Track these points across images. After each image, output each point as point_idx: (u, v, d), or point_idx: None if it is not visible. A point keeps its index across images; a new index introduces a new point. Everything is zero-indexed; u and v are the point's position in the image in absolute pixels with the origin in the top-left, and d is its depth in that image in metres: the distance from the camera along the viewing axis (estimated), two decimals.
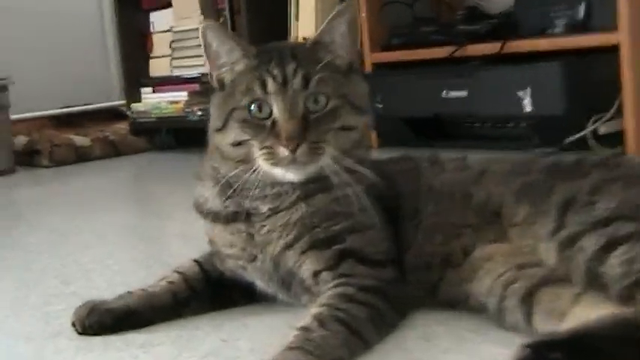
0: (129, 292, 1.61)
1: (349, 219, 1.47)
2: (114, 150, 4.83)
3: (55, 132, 4.94)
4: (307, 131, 1.42)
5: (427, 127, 3.68)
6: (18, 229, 2.92)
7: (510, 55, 3.32)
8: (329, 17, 1.52)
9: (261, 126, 1.45)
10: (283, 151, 1.41)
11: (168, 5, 4.76)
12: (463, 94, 3.43)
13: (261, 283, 1.58)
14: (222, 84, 1.55)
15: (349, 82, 1.52)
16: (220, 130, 1.52)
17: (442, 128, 3.67)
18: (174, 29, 4.71)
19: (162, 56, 4.85)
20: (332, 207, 1.47)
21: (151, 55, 4.97)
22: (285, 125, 1.42)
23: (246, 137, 1.47)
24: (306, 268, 1.48)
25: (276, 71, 1.46)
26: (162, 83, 4.80)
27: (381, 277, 1.44)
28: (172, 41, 4.72)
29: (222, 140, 1.51)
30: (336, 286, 1.42)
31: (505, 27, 3.50)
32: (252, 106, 1.46)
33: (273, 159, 1.43)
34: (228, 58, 1.53)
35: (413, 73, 3.68)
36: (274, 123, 1.44)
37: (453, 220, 1.52)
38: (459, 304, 1.47)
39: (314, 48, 1.51)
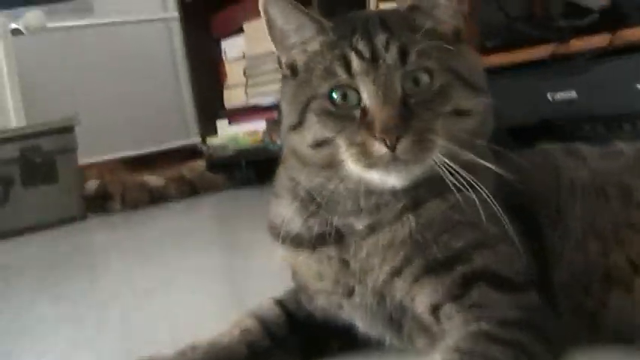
0: (192, 347, 1.31)
1: (474, 230, 1.19)
2: (190, 189, 4.65)
3: (128, 174, 4.81)
4: (409, 119, 1.16)
5: (533, 135, 3.28)
6: (81, 277, 2.76)
7: (621, 47, 3.01)
8: None
9: (348, 117, 1.20)
10: (379, 148, 1.15)
11: (240, 31, 4.57)
12: (572, 94, 3.13)
13: (362, 324, 1.30)
14: (293, 69, 1.29)
15: (458, 53, 1.25)
16: (296, 127, 1.25)
17: (550, 134, 3.26)
18: (248, 55, 4.50)
19: (237, 85, 4.67)
20: (450, 216, 1.19)
21: (225, 85, 4.80)
22: (380, 113, 1.16)
23: (329, 134, 1.20)
24: (422, 300, 1.20)
25: (361, 45, 1.21)
26: (239, 114, 4.65)
27: (523, 304, 1.14)
28: (246, 68, 4.51)
29: (299, 141, 1.25)
30: (465, 322, 1.13)
31: (611, 17, 3.14)
32: (335, 94, 1.21)
33: (367, 159, 1.17)
34: (299, 37, 1.28)
35: (512, 77, 3.34)
36: (365, 112, 1.18)
37: (611, 222, 1.22)
38: (635, 337, 1.16)
39: (410, 14, 1.25)
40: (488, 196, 1.16)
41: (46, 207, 4.29)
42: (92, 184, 4.61)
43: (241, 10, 4.52)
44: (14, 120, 4.60)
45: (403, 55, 1.19)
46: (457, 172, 1.16)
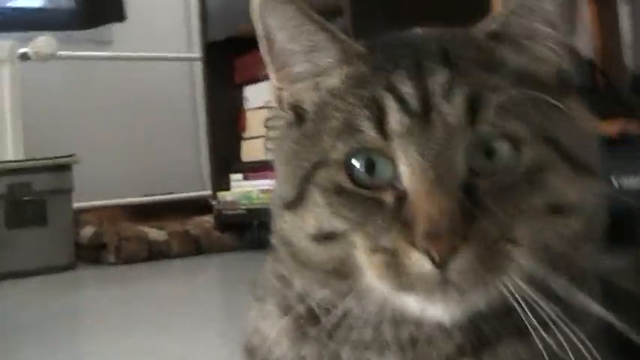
0: None
1: None
2: (195, 247, 4.36)
3: (128, 224, 4.53)
4: (474, 219, 0.84)
5: None
6: (56, 342, 2.49)
7: None
8: None
9: (373, 203, 0.87)
10: (421, 263, 0.82)
11: (265, 78, 4.15)
12: None
13: None
14: (298, 113, 0.96)
15: (563, 112, 0.90)
16: (291, 205, 0.92)
17: (612, 229, 2.89)
18: (270, 104, 4.20)
19: (257, 137, 4.43)
20: None
21: (244, 135, 4.56)
22: (427, 205, 0.83)
23: (341, 225, 0.88)
24: None
25: (407, 87, 0.88)
26: (256, 169, 4.36)
27: None
28: (268, 119, 4.22)
29: (296, 226, 0.92)
30: None
31: None
32: (356, 162, 0.88)
33: (400, 277, 0.84)
34: (310, 64, 0.95)
35: None
36: (402, 198, 0.86)
37: None
38: None
39: (489, 43, 0.92)
40: (589, 339, 0.84)
41: (31, 252, 4.04)
42: (87, 231, 4.36)
43: None
44: (11, 152, 4.36)
45: (473, 109, 0.85)
46: (543, 303, 0.84)
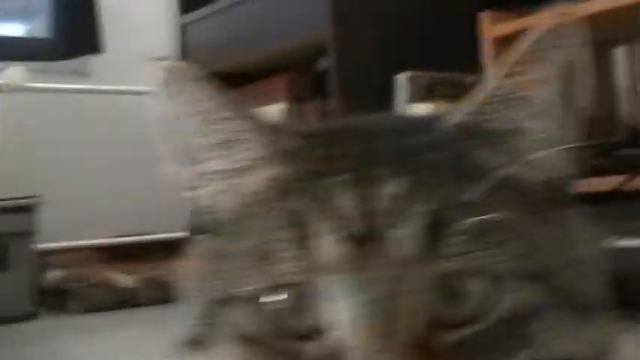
0: None
1: None
2: (167, 294, 4.18)
3: (96, 268, 4.41)
4: None
5: None
6: None
7: None
8: (514, 55, 0.75)
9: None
10: None
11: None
12: None
13: None
14: (208, 212, 0.80)
15: (560, 234, 0.74)
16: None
17: (614, 292, 2.88)
18: None
19: None
20: None
21: None
22: None
23: None
24: None
25: (347, 201, 0.71)
26: None
27: None
28: None
29: None
30: None
31: None
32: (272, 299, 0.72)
33: None
34: (226, 159, 0.78)
35: None
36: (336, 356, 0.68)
37: None
38: None
39: (462, 139, 0.76)
40: None
41: None
42: (53, 276, 4.24)
43: (256, 91, 4.08)
44: None
45: (438, 235, 0.68)
46: None
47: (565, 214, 0.74)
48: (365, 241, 0.66)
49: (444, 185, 0.69)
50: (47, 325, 3.89)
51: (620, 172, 2.83)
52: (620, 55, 3.37)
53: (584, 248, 0.74)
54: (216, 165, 0.76)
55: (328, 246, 0.67)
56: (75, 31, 4.92)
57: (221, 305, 0.72)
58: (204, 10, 4.22)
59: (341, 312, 0.66)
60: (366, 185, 0.69)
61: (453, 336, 0.67)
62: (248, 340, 0.69)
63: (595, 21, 2.73)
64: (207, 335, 0.75)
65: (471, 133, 0.73)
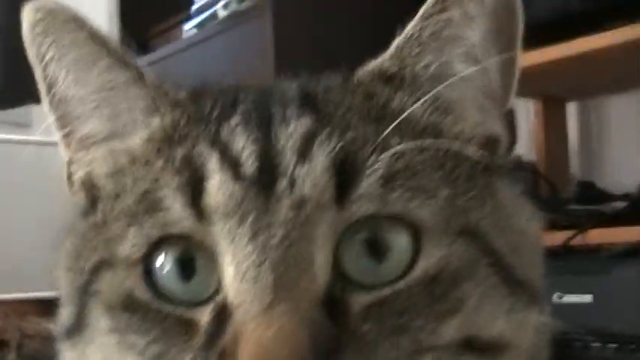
0: None
1: None
2: None
3: (34, 319, 4.14)
4: (346, 348, 0.62)
5: None
6: None
7: None
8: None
9: (182, 329, 0.64)
10: None
11: None
12: (586, 298, 2.64)
13: None
14: (91, 194, 0.74)
15: (493, 194, 0.71)
16: (70, 333, 0.72)
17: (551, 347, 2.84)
18: None
19: None
20: None
21: None
22: (257, 338, 0.59)
23: None
24: None
25: (240, 141, 0.66)
26: None
27: None
28: None
29: (70, 353, 0.72)
30: None
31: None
32: (162, 260, 0.66)
33: None
34: (104, 117, 0.72)
35: None
36: (222, 322, 0.63)
37: None
38: None
39: (381, 86, 0.71)
40: None
41: None
42: None
43: None
44: None
45: (347, 177, 0.64)
46: None
47: (498, 179, 0.70)
48: (261, 181, 0.62)
49: (353, 126, 0.65)
50: None
51: (569, 228, 2.79)
52: (572, 110, 3.38)
53: (519, 220, 0.71)
54: (92, 125, 0.71)
55: (216, 188, 0.62)
56: (13, 80, 4.79)
57: (98, 273, 0.67)
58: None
59: (232, 264, 0.61)
60: (262, 125, 0.65)
61: (365, 298, 0.62)
62: (135, 306, 0.65)
63: (547, 74, 2.73)
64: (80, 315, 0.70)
65: (393, 79, 0.69)
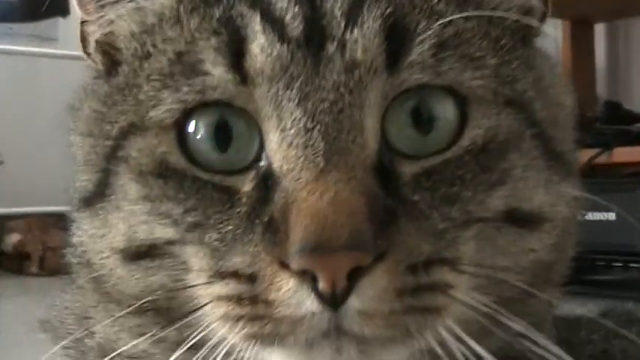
0: None
1: None
2: None
3: (56, 232, 4.16)
4: (392, 227, 0.58)
5: None
6: None
7: None
8: None
9: (221, 196, 0.61)
10: (299, 297, 0.56)
11: None
12: (610, 216, 2.61)
13: None
14: (109, 56, 0.69)
15: (535, 64, 0.69)
16: (91, 200, 0.67)
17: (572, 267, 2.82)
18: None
19: None
20: None
21: None
22: (311, 202, 0.57)
23: (166, 232, 0.62)
24: None
25: (285, 1, 0.62)
26: None
27: None
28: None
29: (97, 236, 0.66)
30: None
31: None
32: (197, 127, 0.62)
33: (262, 321, 0.57)
34: None
35: None
36: (269, 189, 0.60)
37: None
38: None
39: None
40: None
41: None
42: (12, 239, 4.13)
43: None
44: None
45: (397, 43, 0.61)
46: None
47: (536, 50, 0.70)
48: (308, 44, 0.59)
49: None
50: (3, 286, 3.80)
51: (595, 146, 2.78)
52: (600, 31, 3.34)
53: (556, 91, 0.70)
54: None
55: (260, 50, 0.59)
56: None
57: (126, 138, 0.64)
58: None
59: (278, 130, 0.58)
60: None
61: (414, 167, 0.60)
62: (169, 172, 0.62)
63: None
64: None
65: None
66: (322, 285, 0.54)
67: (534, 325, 0.64)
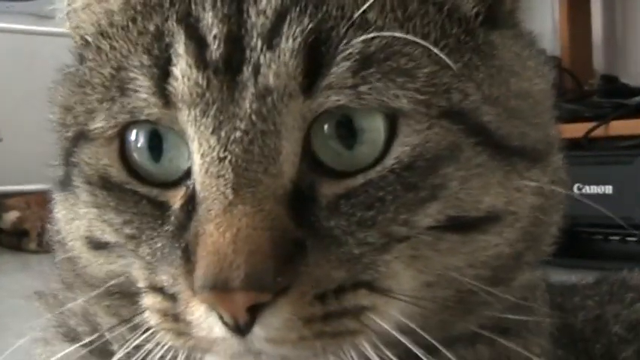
0: None
1: None
2: None
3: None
4: (303, 256, 0.57)
5: None
6: None
7: None
8: None
9: (155, 209, 0.62)
10: (208, 324, 0.58)
11: None
12: (607, 189, 2.62)
13: None
14: (85, 42, 0.69)
15: (491, 57, 0.64)
16: (62, 185, 0.69)
17: (569, 241, 2.77)
18: None
19: None
20: None
21: None
22: (215, 235, 0.56)
23: (112, 237, 0.64)
24: None
25: (209, 18, 0.60)
26: None
27: None
28: None
29: (69, 219, 0.68)
30: None
31: None
32: (136, 136, 0.63)
33: (184, 336, 0.59)
34: None
35: None
36: (191, 210, 0.60)
37: None
38: None
39: None
40: None
41: None
42: (10, 216, 4.11)
43: None
44: None
45: (317, 63, 0.58)
46: None
47: (500, 35, 0.65)
48: (227, 68, 0.57)
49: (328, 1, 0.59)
50: (4, 261, 3.81)
51: (592, 119, 2.79)
52: (597, 4, 3.34)
53: (520, 80, 0.65)
54: None
55: (182, 74, 0.58)
56: None
57: (78, 144, 0.64)
58: None
59: (199, 153, 0.57)
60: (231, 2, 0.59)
61: (336, 187, 0.58)
62: (111, 185, 0.63)
63: None
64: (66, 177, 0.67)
65: None
66: (225, 317, 0.55)
67: (523, 299, 0.65)
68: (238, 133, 0.56)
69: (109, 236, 0.62)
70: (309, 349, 0.57)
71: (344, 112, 0.58)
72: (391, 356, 0.58)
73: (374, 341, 0.58)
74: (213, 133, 0.57)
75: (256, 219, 0.55)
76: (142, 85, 0.59)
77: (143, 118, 0.60)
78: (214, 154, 0.57)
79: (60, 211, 0.68)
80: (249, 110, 0.57)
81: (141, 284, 0.61)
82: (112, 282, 0.64)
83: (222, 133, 0.57)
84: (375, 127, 0.58)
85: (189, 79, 0.58)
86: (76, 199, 0.65)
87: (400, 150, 0.58)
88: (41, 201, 4.22)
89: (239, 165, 0.56)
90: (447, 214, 0.59)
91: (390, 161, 0.58)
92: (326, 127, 0.58)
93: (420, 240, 0.59)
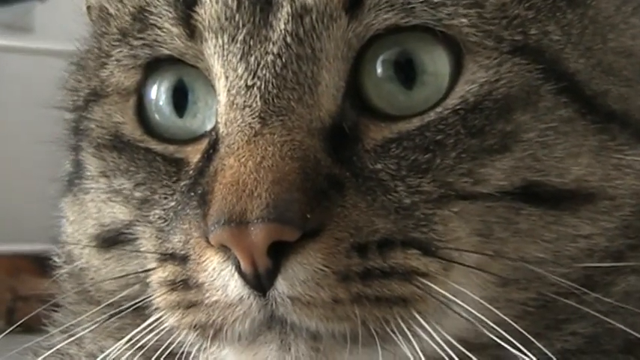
0: None
1: None
2: None
3: (29, 278, 3.97)
4: (331, 202, 0.59)
5: None
6: None
7: None
8: None
9: (172, 168, 0.68)
10: (223, 279, 0.60)
11: None
12: None
13: None
14: (107, 23, 0.79)
15: (581, 2, 0.65)
16: (72, 182, 0.80)
17: None
18: None
19: None
20: None
21: None
22: (235, 164, 0.59)
23: (122, 212, 0.71)
24: None
25: None
26: None
27: None
28: None
29: (77, 223, 0.78)
30: None
31: None
32: (157, 90, 0.70)
33: (195, 308, 0.62)
34: None
35: None
36: (210, 157, 0.65)
37: None
38: None
39: None
40: None
41: None
42: None
43: None
44: None
45: None
46: None
47: None
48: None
49: None
50: None
51: None
52: None
53: (620, 36, 0.64)
54: None
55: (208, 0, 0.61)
56: None
57: (88, 107, 0.70)
58: None
59: (225, 89, 0.60)
60: None
61: (386, 131, 0.59)
62: (123, 144, 0.67)
63: None
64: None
65: None
66: (242, 264, 0.55)
67: (624, 302, 0.61)
68: (270, 57, 0.60)
69: (119, 213, 0.68)
70: (346, 321, 0.56)
71: (400, 44, 0.60)
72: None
73: (432, 322, 0.56)
74: (241, 59, 0.60)
75: (284, 148, 0.58)
76: (167, 17, 0.65)
77: (166, 52, 0.65)
78: (241, 82, 0.60)
79: (69, 217, 0.77)
80: (283, 32, 0.60)
81: (153, 262, 0.65)
82: (124, 293, 0.69)
83: (252, 59, 0.60)
84: (438, 63, 0.60)
85: (217, 5, 0.62)
86: (85, 189, 0.72)
87: (466, 88, 0.61)
88: (11, 267, 3.91)
89: (269, 92, 0.60)
90: (524, 177, 0.61)
91: (453, 101, 0.61)
92: (380, 68, 0.61)
93: (490, 208, 0.59)
